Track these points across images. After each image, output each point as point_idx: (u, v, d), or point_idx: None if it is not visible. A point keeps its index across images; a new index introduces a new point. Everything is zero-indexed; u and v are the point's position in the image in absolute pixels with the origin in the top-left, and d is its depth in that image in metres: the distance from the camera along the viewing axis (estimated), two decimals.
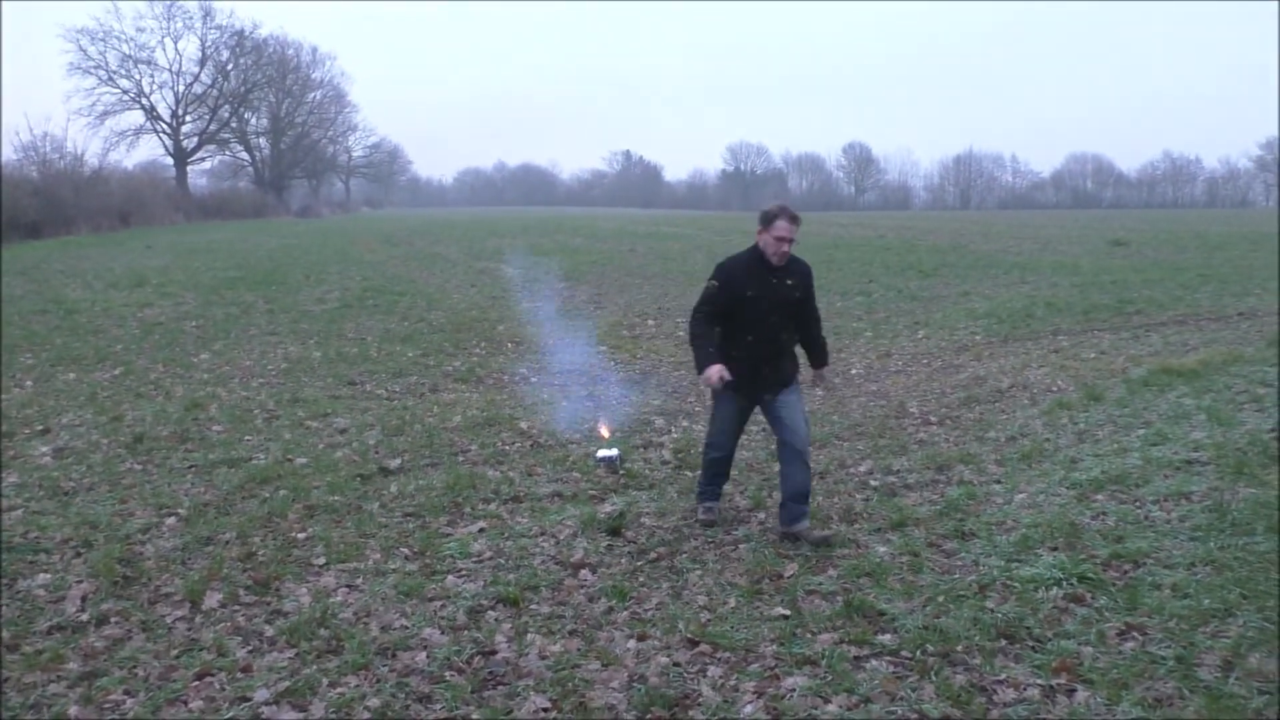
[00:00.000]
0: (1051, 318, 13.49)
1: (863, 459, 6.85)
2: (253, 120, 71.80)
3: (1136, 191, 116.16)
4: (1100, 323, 12.99)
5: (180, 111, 64.51)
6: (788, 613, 4.32)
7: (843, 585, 4.60)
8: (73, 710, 3.61)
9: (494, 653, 4.01)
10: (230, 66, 66.30)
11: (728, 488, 6.21)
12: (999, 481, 6.19)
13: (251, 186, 68.30)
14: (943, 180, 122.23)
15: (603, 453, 6.73)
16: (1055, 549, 4.90)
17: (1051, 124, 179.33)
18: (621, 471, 6.52)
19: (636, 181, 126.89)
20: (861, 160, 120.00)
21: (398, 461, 6.81)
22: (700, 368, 5.02)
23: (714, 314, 5.08)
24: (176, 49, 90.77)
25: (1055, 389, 8.76)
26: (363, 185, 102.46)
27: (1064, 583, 4.46)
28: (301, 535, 5.39)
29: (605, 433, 7.23)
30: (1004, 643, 3.95)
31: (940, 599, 4.38)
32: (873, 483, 6.28)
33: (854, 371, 10.32)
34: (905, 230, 38.83)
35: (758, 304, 5.05)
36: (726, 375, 4.97)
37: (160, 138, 64.13)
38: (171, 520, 5.63)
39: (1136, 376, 8.82)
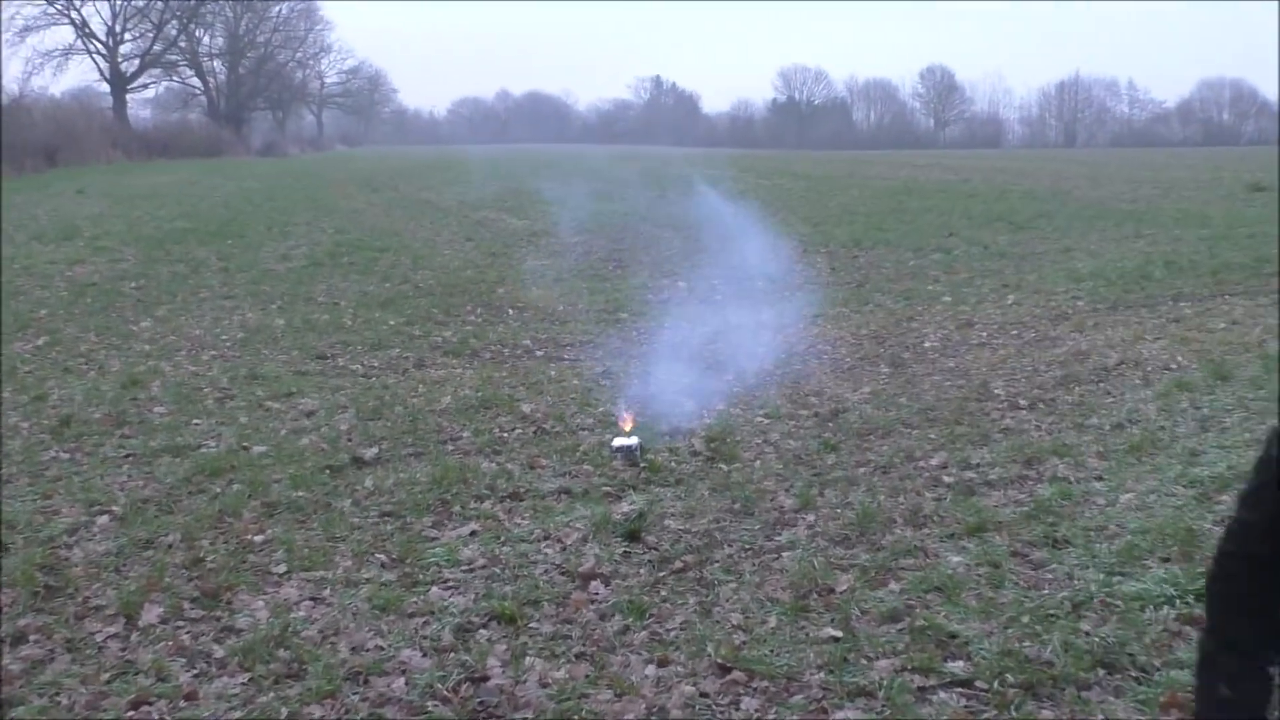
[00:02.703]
0: (1172, 280, 13.35)
1: (935, 450, 6.83)
2: (206, 39, 72.26)
3: None
4: (1233, 286, 12.84)
5: (118, 28, 64.86)
6: (839, 634, 4.33)
7: (907, 602, 4.61)
8: None
9: (486, 679, 4.06)
10: None
11: (769, 484, 6.22)
12: (1101, 478, 6.16)
13: (204, 119, 68.64)
14: (1042, 112, 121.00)
15: (620, 441, 6.75)
16: (1167, 560, 4.87)
17: (1179, 42, 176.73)
18: (642, 464, 6.55)
19: (668, 113, 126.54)
20: (943, 88, 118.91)
21: (375, 450, 6.87)
22: None
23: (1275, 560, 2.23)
24: None
25: (1174, 366, 8.68)
26: (338, 118, 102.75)
27: (1177, 601, 4.44)
28: (258, 538, 5.46)
29: (628, 424, 7.21)
30: (1102, 673, 3.95)
31: (1025, 619, 4.38)
32: (946, 479, 6.27)
33: (928, 344, 10.28)
34: (995, 173, 38.49)
35: None
36: None
37: (94, 59, 64.65)
38: (104, 519, 5.71)
39: (1275, 352, 8.73)
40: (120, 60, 64.91)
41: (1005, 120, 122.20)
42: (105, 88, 64.48)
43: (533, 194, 28.07)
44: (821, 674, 4.04)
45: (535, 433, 7.30)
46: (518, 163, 47.12)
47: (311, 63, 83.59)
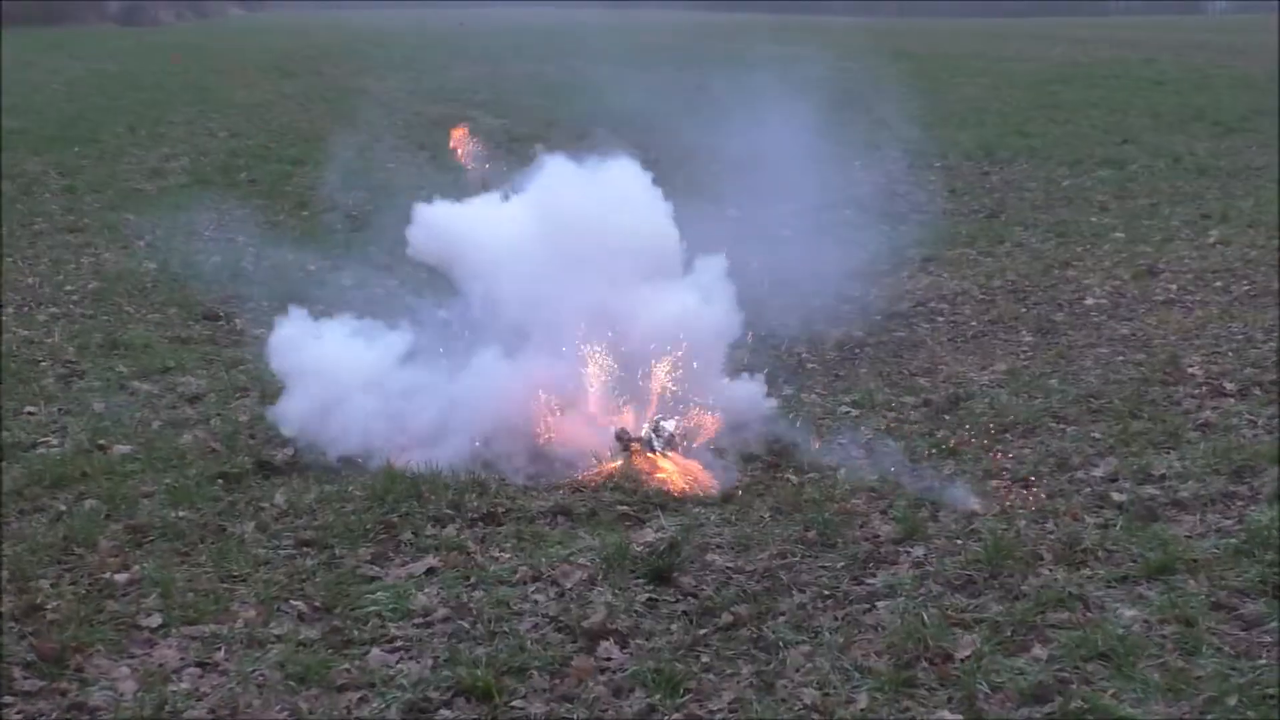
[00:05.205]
0: None
1: (1101, 455, 6.82)
2: None
3: None
4: None
5: None
6: (960, 719, 4.35)
7: (1057, 674, 4.61)
8: None
9: None
10: None
11: (859, 502, 6.23)
12: None
13: None
14: None
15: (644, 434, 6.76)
16: None
17: None
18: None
19: None
20: None
21: (289, 452, 6.91)
22: None
23: None
24: None
25: None
26: None
27: None
28: (121, 577, 5.48)
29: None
30: None
31: (1231, 700, 4.38)
32: (1117, 496, 6.26)
33: (1090, 302, 10.23)
34: (1192, 49, 38.16)
35: None
36: None
37: None
38: None
39: None
40: None
41: None
42: None
43: (516, 80, 28.02)
44: None
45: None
46: (493, 35, 47.00)
47: None
